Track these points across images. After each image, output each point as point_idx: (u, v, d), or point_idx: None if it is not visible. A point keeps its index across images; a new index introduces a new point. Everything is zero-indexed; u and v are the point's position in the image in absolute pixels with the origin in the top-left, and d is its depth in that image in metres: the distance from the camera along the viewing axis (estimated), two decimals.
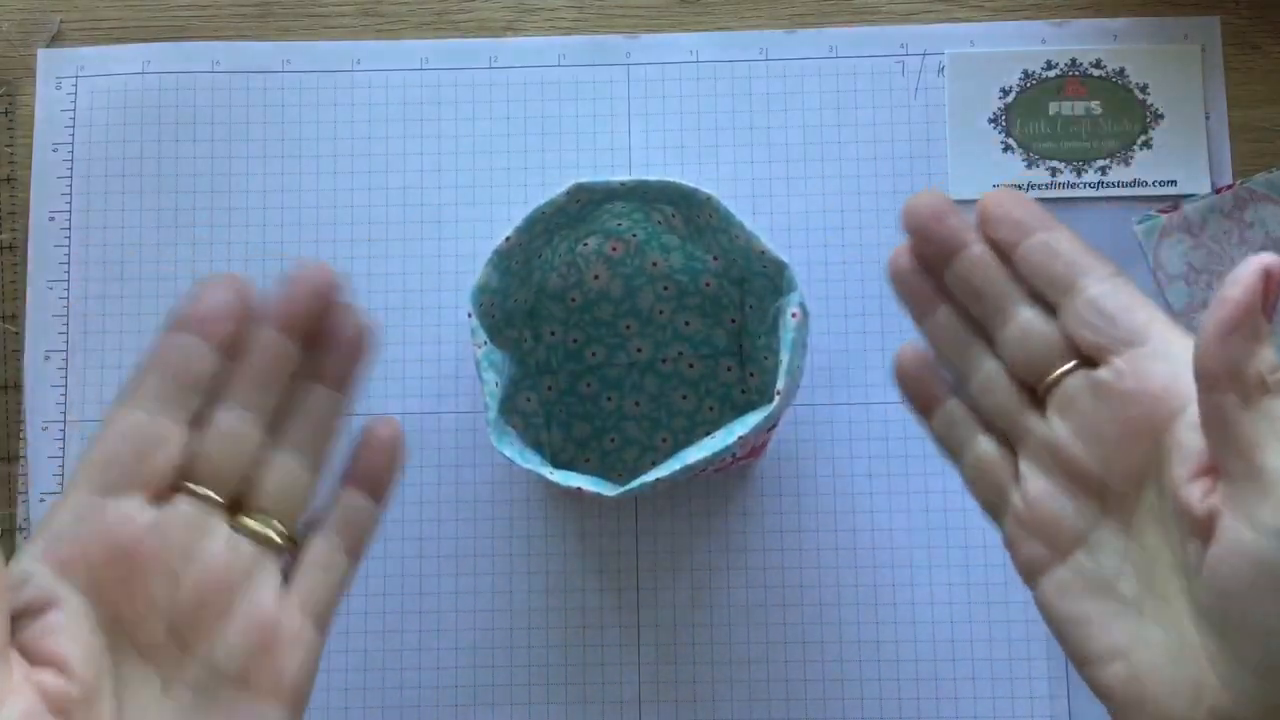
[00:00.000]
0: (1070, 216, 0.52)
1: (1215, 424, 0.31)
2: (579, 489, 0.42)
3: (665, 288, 0.51)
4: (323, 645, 0.35)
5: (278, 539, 0.35)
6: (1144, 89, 0.52)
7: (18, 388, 0.52)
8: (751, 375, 0.50)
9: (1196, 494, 0.32)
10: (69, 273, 0.52)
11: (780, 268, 0.44)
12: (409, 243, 0.52)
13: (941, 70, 0.53)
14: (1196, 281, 0.51)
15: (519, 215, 0.46)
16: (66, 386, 0.52)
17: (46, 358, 0.52)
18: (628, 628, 0.50)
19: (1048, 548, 0.36)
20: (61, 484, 0.51)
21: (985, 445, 0.38)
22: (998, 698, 0.49)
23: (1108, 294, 0.35)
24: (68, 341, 0.52)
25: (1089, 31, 0.53)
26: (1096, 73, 0.53)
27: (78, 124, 0.53)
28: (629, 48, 0.53)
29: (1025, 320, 0.36)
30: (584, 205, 0.45)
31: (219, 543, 0.34)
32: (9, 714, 0.29)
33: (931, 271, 0.38)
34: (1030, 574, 0.36)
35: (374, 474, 0.37)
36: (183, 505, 0.34)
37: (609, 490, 0.42)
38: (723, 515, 0.51)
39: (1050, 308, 0.36)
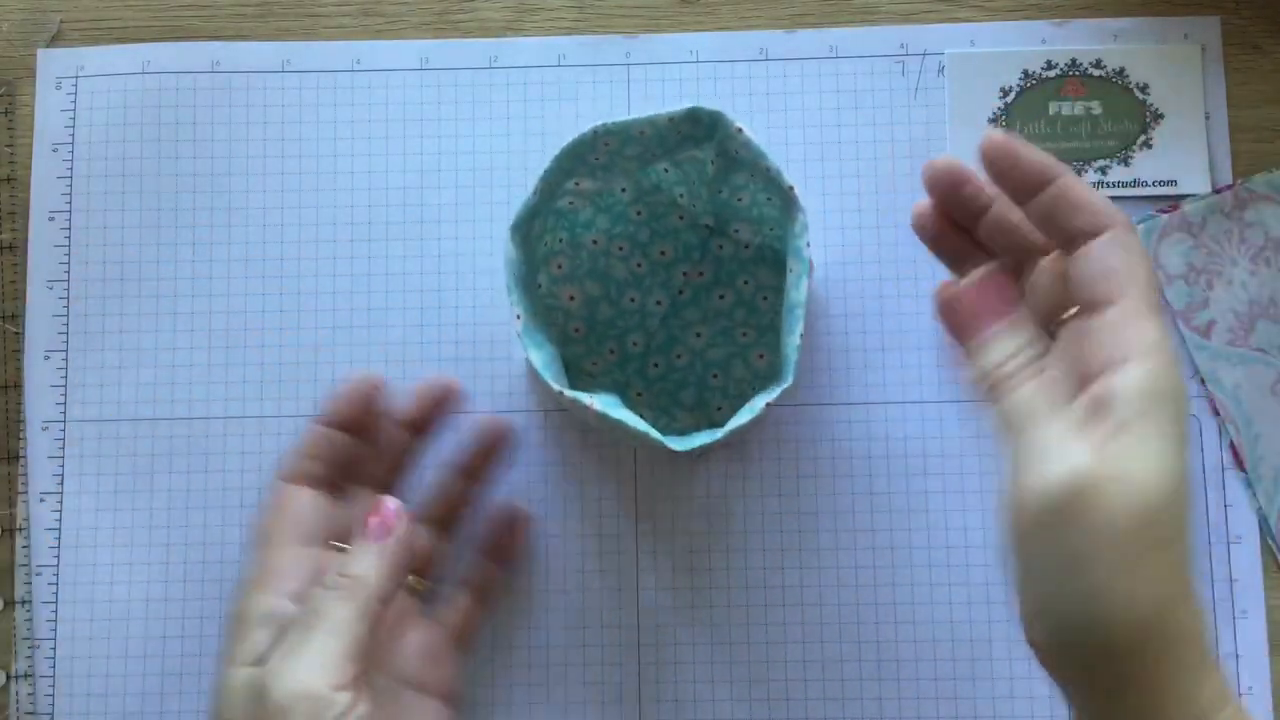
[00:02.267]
0: None
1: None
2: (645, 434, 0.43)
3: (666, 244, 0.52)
4: (468, 664, 0.48)
5: (419, 586, 0.47)
6: (1144, 89, 0.52)
7: (18, 388, 0.52)
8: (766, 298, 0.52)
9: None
10: (69, 273, 0.52)
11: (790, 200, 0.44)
12: (409, 243, 0.52)
13: (941, 70, 0.53)
14: (1196, 281, 0.51)
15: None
16: (66, 386, 0.52)
17: (46, 358, 0.52)
18: (627, 628, 0.50)
19: None
20: (61, 484, 0.51)
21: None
22: (998, 698, 0.49)
23: (1097, 252, 0.36)
24: (68, 341, 0.52)
25: (1089, 31, 0.53)
26: (1096, 73, 0.53)
27: (78, 124, 0.53)
28: (629, 48, 0.53)
29: (1039, 270, 0.39)
30: (605, 159, 0.46)
31: None
32: (365, 706, 0.38)
33: (958, 228, 0.42)
34: None
35: (501, 549, 0.49)
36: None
37: (676, 445, 0.43)
38: (723, 515, 0.51)
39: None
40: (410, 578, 0.46)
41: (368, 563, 0.40)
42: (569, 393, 0.43)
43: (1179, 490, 0.33)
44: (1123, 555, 0.32)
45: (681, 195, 0.50)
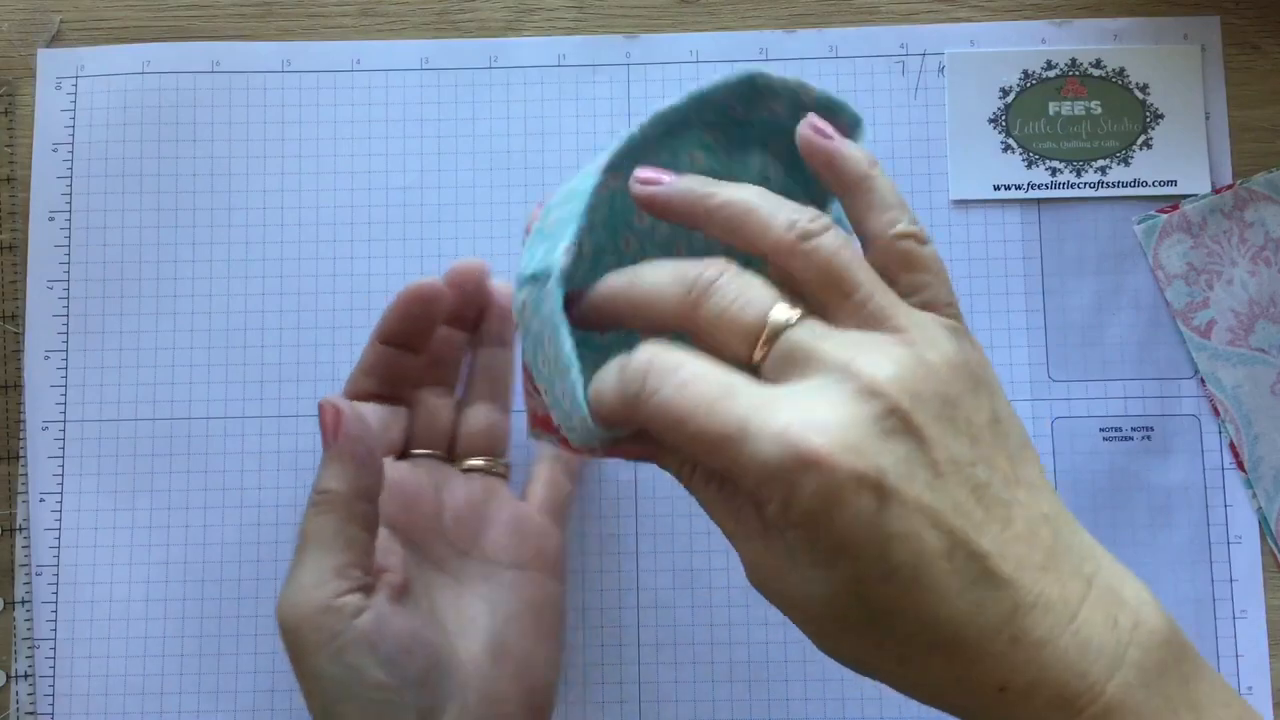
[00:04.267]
0: (1070, 216, 0.52)
1: None
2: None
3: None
4: (564, 536, 0.47)
5: (496, 468, 0.47)
6: (1144, 89, 0.52)
7: (18, 388, 0.52)
8: None
9: None
10: (69, 273, 0.52)
11: None
12: (409, 243, 0.52)
13: (941, 70, 0.53)
14: (1196, 281, 0.51)
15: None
16: (66, 386, 0.52)
17: (46, 358, 0.52)
18: (628, 628, 0.50)
19: None
20: (61, 484, 0.51)
21: None
22: None
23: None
24: (68, 341, 0.52)
25: (1089, 31, 0.53)
26: (1096, 73, 0.53)
27: (78, 124, 0.53)
28: (629, 48, 0.53)
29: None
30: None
31: (458, 481, 0.46)
32: (381, 595, 0.40)
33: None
34: None
35: (480, 321, 0.48)
36: (420, 464, 0.46)
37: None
38: None
39: None
40: (481, 459, 0.47)
41: (332, 471, 0.40)
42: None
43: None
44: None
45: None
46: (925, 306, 0.33)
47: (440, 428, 0.47)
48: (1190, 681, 0.31)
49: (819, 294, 0.33)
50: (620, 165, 0.37)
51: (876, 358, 0.31)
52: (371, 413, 0.45)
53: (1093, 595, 0.31)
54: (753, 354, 0.32)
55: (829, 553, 0.30)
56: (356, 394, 0.46)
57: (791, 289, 0.33)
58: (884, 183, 0.35)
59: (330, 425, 0.40)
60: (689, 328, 0.33)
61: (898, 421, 0.30)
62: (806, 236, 0.33)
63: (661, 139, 0.39)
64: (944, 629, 0.30)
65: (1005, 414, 0.33)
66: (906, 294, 0.34)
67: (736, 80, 0.38)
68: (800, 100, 0.37)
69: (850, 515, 0.30)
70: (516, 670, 0.42)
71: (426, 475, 0.45)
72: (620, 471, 0.51)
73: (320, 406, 0.41)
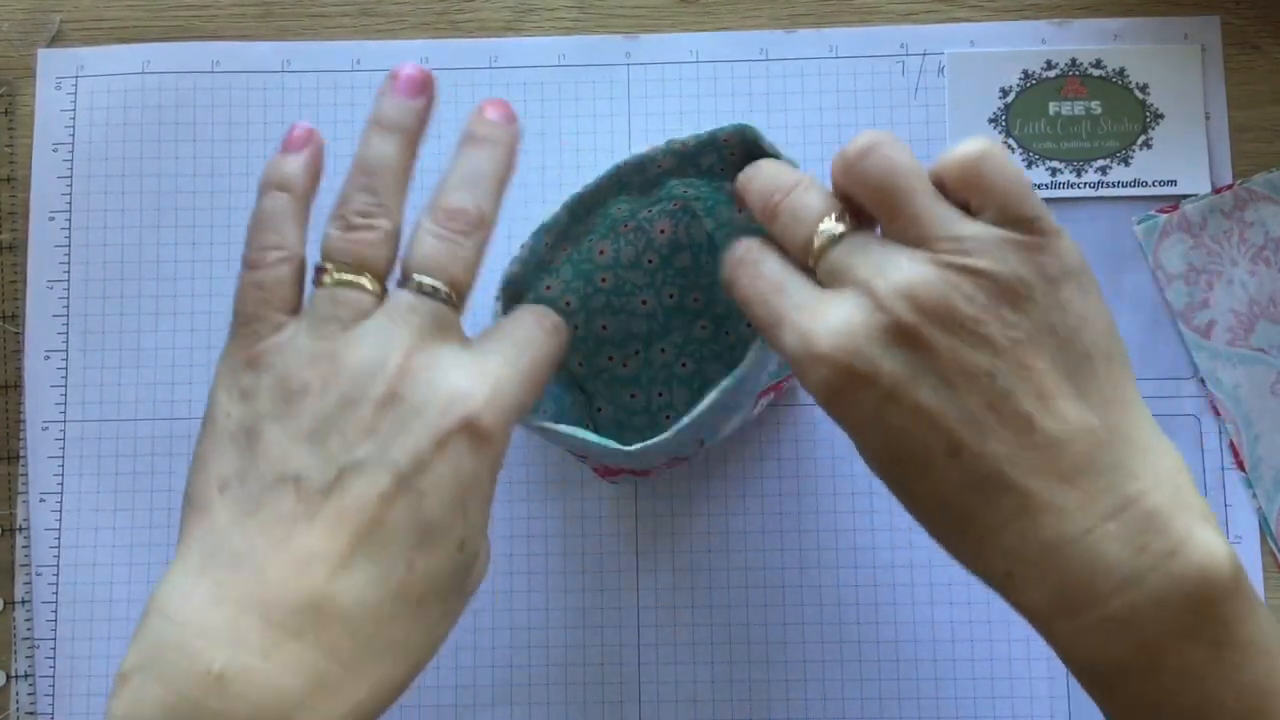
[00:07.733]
0: (1070, 216, 0.52)
1: None
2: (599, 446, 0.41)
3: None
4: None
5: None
6: (1144, 89, 0.52)
7: (17, 388, 0.52)
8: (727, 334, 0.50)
9: None
10: (69, 273, 0.52)
11: None
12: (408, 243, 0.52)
13: (941, 70, 0.53)
14: (1196, 281, 0.51)
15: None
16: (66, 386, 0.52)
17: (46, 358, 0.52)
18: (627, 628, 0.50)
19: None
20: (61, 484, 0.51)
21: None
22: (997, 698, 0.49)
23: None
24: (68, 341, 0.52)
25: (1089, 31, 0.53)
26: (1096, 73, 0.53)
27: (78, 124, 0.53)
28: (629, 48, 0.53)
29: None
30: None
31: None
32: None
33: None
34: None
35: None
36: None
37: (625, 447, 0.41)
38: (723, 515, 0.51)
39: None
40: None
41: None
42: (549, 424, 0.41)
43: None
44: None
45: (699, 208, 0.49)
46: (1000, 222, 0.34)
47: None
48: (1235, 622, 0.32)
49: (874, 211, 0.35)
50: (553, 226, 0.45)
51: (895, 275, 0.33)
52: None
53: (1126, 515, 0.32)
54: (808, 262, 0.36)
55: (848, 431, 0.35)
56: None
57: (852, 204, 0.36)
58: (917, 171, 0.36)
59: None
60: (772, 233, 0.37)
61: (903, 334, 0.33)
62: (862, 154, 0.35)
63: (590, 209, 0.45)
64: (953, 512, 0.34)
65: (1069, 326, 0.34)
66: (976, 211, 0.35)
67: (612, 169, 0.45)
68: (684, 144, 0.44)
69: (852, 405, 0.34)
70: None
71: None
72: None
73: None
